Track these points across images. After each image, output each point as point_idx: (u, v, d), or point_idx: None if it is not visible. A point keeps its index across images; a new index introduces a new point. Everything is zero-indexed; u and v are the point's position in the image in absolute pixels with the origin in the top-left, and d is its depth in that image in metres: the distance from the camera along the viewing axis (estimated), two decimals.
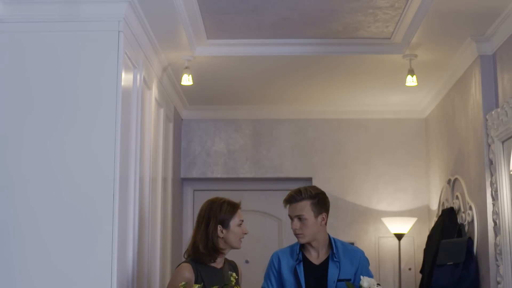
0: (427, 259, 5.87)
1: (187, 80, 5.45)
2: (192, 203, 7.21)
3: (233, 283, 3.52)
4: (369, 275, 3.77)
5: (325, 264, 3.79)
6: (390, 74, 5.88)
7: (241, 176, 7.07)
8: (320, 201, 3.78)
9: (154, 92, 5.14)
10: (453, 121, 5.86)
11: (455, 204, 5.69)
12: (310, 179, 7.08)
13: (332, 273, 3.75)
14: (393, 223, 6.65)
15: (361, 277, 3.57)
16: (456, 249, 5.23)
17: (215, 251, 3.70)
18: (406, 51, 5.27)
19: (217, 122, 7.15)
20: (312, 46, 5.38)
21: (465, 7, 4.47)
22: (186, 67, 5.41)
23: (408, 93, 6.51)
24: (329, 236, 3.86)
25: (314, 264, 3.81)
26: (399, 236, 6.60)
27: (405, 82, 5.47)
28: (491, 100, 4.94)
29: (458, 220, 5.56)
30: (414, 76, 5.37)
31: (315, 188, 3.86)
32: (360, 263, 3.83)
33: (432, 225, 6.33)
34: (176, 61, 5.46)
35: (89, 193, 3.81)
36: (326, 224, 3.83)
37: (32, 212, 3.78)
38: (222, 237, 3.72)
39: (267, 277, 3.91)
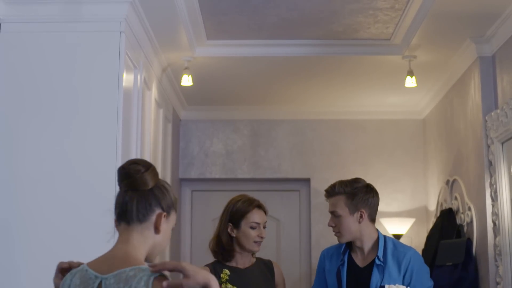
0: (426, 260, 5.87)
1: (187, 80, 5.45)
2: (190, 204, 7.21)
3: (224, 279, 3.43)
4: (424, 283, 3.31)
5: (370, 267, 3.36)
6: (389, 75, 5.89)
7: (240, 176, 7.07)
8: (357, 197, 3.35)
9: (153, 92, 5.15)
10: (452, 122, 5.87)
11: (454, 205, 5.71)
12: (308, 180, 7.09)
13: (375, 279, 3.31)
14: (391, 224, 6.66)
15: (386, 286, 3.19)
16: (455, 250, 5.24)
17: (226, 250, 3.58)
18: (406, 52, 5.28)
19: (216, 123, 7.16)
20: (311, 47, 5.38)
21: (465, 9, 4.48)
22: (186, 68, 5.41)
23: (406, 94, 6.52)
24: (378, 235, 3.43)
25: (359, 267, 3.41)
26: (397, 237, 6.60)
27: (404, 83, 5.48)
28: (490, 101, 4.96)
29: (457, 221, 5.58)
30: (414, 77, 5.38)
31: (355, 181, 3.44)
32: (410, 268, 3.32)
33: (430, 226, 6.34)
34: (175, 62, 5.47)
35: (91, 193, 3.81)
36: (372, 221, 3.42)
37: (34, 211, 3.78)
38: (234, 237, 3.57)
39: (316, 274, 3.64)
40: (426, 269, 3.37)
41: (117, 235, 3.73)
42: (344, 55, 5.48)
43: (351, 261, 3.42)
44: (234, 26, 5.03)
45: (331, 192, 3.44)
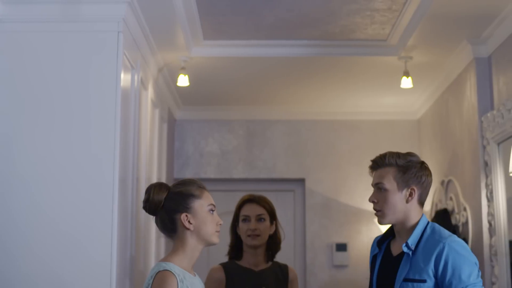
0: None
1: (183, 80, 5.45)
2: None
3: None
4: (462, 280, 2.69)
5: (402, 256, 2.86)
6: (385, 75, 5.91)
7: (235, 176, 7.08)
8: (410, 171, 2.87)
9: (150, 92, 5.14)
10: (447, 123, 5.89)
11: (449, 205, 5.73)
12: (303, 180, 7.10)
13: (402, 269, 2.81)
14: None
15: None
16: None
17: (233, 249, 3.61)
18: (402, 53, 5.30)
19: (211, 123, 7.16)
20: (308, 48, 5.39)
21: (461, 10, 4.50)
22: (182, 68, 5.41)
23: (402, 95, 6.54)
24: (420, 219, 2.89)
25: (392, 256, 2.92)
26: None
27: (400, 84, 5.50)
28: (486, 102, 4.98)
29: (452, 221, 5.59)
30: (410, 78, 5.40)
31: (409, 154, 2.94)
32: (442, 259, 2.72)
33: None
34: (172, 62, 5.46)
35: (89, 194, 3.80)
36: (421, 204, 2.91)
37: (32, 212, 3.76)
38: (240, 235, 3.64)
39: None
40: (467, 263, 2.73)
41: (114, 237, 3.77)
42: (340, 56, 5.49)
43: (388, 249, 2.96)
44: (231, 26, 5.03)
45: (380, 162, 2.92)
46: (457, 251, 2.73)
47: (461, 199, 5.42)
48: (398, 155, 2.91)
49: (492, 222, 4.80)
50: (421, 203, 2.91)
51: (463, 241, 2.80)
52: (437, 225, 2.88)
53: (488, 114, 4.84)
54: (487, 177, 4.89)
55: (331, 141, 7.16)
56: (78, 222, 3.77)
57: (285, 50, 5.43)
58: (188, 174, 7.03)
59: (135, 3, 4.15)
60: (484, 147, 4.93)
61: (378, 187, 2.90)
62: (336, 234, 6.97)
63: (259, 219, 3.59)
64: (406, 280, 2.76)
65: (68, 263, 3.72)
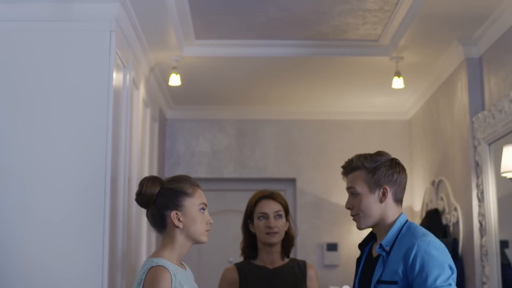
0: None
1: (175, 80, 5.44)
2: None
3: None
4: (426, 282, 2.52)
5: (379, 257, 2.72)
6: (376, 76, 5.92)
7: (225, 176, 7.08)
8: (379, 171, 2.75)
9: (141, 91, 5.14)
10: (438, 123, 5.91)
11: (440, 205, 5.74)
12: (294, 180, 7.11)
13: (377, 271, 2.69)
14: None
15: None
16: None
17: (248, 247, 3.47)
18: (393, 53, 5.31)
19: (202, 122, 7.15)
20: (299, 48, 5.39)
21: (453, 11, 4.51)
22: (174, 67, 5.40)
23: (392, 95, 6.56)
24: (397, 218, 2.75)
25: (372, 257, 2.81)
26: None
27: (391, 84, 5.51)
28: (477, 102, 4.99)
29: (443, 221, 5.61)
30: (401, 78, 5.41)
31: (377, 154, 2.83)
32: (410, 259, 2.57)
33: None
34: (163, 61, 5.46)
35: (81, 192, 3.80)
36: (397, 202, 2.76)
37: (24, 209, 3.77)
38: (255, 233, 3.49)
39: None
40: (436, 264, 2.54)
41: (106, 237, 3.76)
42: (331, 56, 5.50)
43: (370, 251, 2.85)
44: (223, 26, 5.03)
45: (349, 167, 2.82)
46: (427, 251, 2.57)
47: (452, 199, 5.44)
48: (365, 157, 2.81)
49: (483, 222, 4.82)
50: (398, 201, 2.78)
51: (437, 242, 2.63)
52: (414, 224, 2.76)
53: (479, 115, 4.85)
54: (478, 177, 4.90)
55: (322, 141, 7.16)
56: (69, 220, 3.77)
57: (276, 50, 5.43)
58: (179, 174, 6.99)
59: (128, 2, 4.15)
60: (475, 148, 4.95)
61: (351, 192, 2.80)
62: (327, 234, 6.98)
63: (277, 215, 3.42)
64: (379, 282, 2.64)
65: (60, 260, 3.73)
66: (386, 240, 2.69)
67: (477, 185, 4.91)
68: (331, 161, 7.12)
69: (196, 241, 2.70)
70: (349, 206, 2.81)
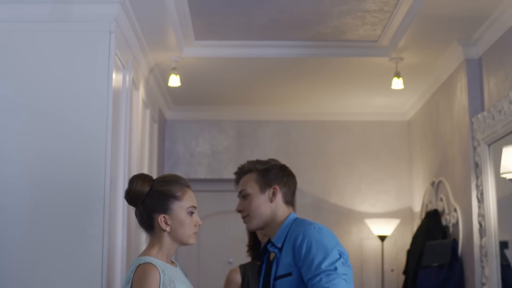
0: (411, 261, 5.91)
1: (174, 81, 5.44)
2: None
3: None
4: (312, 267, 2.53)
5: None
6: (375, 76, 5.92)
7: (225, 177, 7.06)
8: (270, 173, 2.81)
9: (141, 92, 5.13)
10: (438, 124, 5.90)
11: (439, 206, 5.74)
12: None
13: (273, 269, 2.72)
14: (376, 225, 6.69)
15: None
16: (441, 251, 5.28)
17: (252, 248, 3.50)
18: (393, 54, 5.31)
19: (201, 123, 7.15)
20: (299, 48, 5.39)
21: (452, 12, 4.51)
22: (174, 68, 5.40)
23: (392, 96, 6.56)
24: (286, 219, 2.79)
25: (270, 260, 2.80)
26: (382, 238, 6.63)
27: (391, 84, 5.51)
28: (477, 103, 4.99)
29: (443, 222, 5.61)
30: (401, 79, 5.41)
31: (269, 160, 2.91)
32: (297, 247, 2.61)
33: (415, 227, 6.38)
34: (163, 62, 5.46)
35: (80, 193, 3.79)
36: (287, 204, 2.82)
37: (25, 210, 3.75)
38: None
39: None
40: (321, 249, 2.56)
41: (105, 237, 3.75)
42: (331, 57, 5.51)
43: (268, 259, 2.85)
44: (223, 26, 5.03)
45: (240, 171, 2.87)
46: (312, 236, 2.60)
47: (452, 200, 5.43)
48: (257, 161, 2.87)
49: (483, 223, 4.82)
50: (287, 202, 2.83)
51: (324, 228, 2.65)
52: (303, 219, 2.79)
53: (479, 115, 4.85)
54: (477, 178, 4.90)
55: (321, 142, 7.16)
56: (69, 220, 3.76)
57: (276, 50, 5.43)
58: (177, 174, 6.99)
59: (127, 3, 4.14)
60: (474, 148, 4.95)
61: (242, 195, 2.82)
62: None
63: None
64: (275, 279, 2.67)
65: (60, 260, 3.72)
66: (276, 237, 2.73)
67: (477, 186, 4.91)
68: (330, 162, 7.12)
69: (183, 244, 2.69)
70: (240, 209, 2.83)
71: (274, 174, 2.81)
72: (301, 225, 2.69)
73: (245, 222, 2.84)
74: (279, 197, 2.80)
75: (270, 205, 2.79)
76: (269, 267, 2.78)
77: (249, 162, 2.87)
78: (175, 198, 2.64)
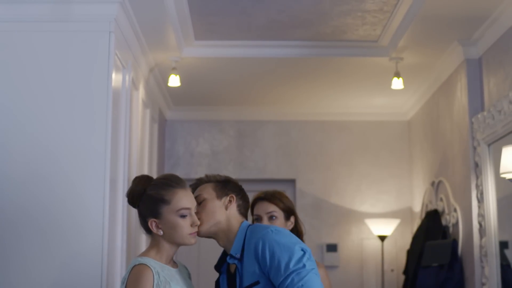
0: (411, 261, 5.91)
1: (174, 81, 5.43)
2: None
3: None
4: (280, 269, 2.52)
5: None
6: (375, 76, 5.92)
7: None
8: (229, 184, 2.81)
9: (141, 92, 5.13)
10: (438, 124, 5.90)
11: (439, 206, 5.74)
12: (293, 181, 7.10)
13: (238, 281, 2.68)
14: (376, 225, 6.69)
15: None
16: (441, 251, 5.28)
17: None
18: (393, 54, 5.31)
19: (201, 123, 7.15)
20: (299, 48, 5.39)
21: (452, 12, 4.51)
22: (173, 68, 5.40)
23: (392, 96, 6.56)
24: (239, 228, 2.75)
25: (232, 273, 2.77)
26: (382, 238, 6.63)
27: (391, 84, 5.51)
28: (477, 103, 4.99)
29: (443, 222, 5.61)
30: (400, 79, 5.41)
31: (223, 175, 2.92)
32: (260, 253, 2.59)
33: (415, 227, 6.38)
34: (163, 62, 5.46)
35: (80, 193, 3.79)
36: (242, 215, 2.81)
37: (21, 210, 3.75)
38: None
39: None
40: (285, 249, 2.56)
41: (105, 238, 3.76)
42: (331, 57, 5.50)
43: (228, 270, 2.81)
44: (223, 26, 5.03)
45: (199, 182, 2.86)
46: (271, 239, 2.58)
47: (452, 200, 5.43)
48: (218, 175, 2.87)
49: (483, 223, 4.81)
50: (242, 214, 2.81)
51: (280, 229, 2.66)
52: (256, 225, 2.78)
53: (479, 115, 4.85)
54: (477, 178, 4.90)
55: (321, 142, 7.16)
56: (69, 220, 3.76)
57: (276, 50, 5.43)
58: (178, 175, 6.93)
59: (127, 3, 4.14)
60: (474, 148, 4.95)
61: (198, 202, 2.76)
62: (327, 234, 6.98)
63: (270, 217, 3.40)
64: None
65: (60, 260, 3.71)
66: (233, 248, 2.68)
67: (477, 186, 4.91)
68: (331, 162, 7.12)
69: (181, 245, 2.68)
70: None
71: (232, 186, 2.81)
72: (257, 231, 2.66)
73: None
74: (234, 206, 2.78)
75: (225, 212, 2.76)
76: (232, 279, 2.74)
77: (208, 175, 2.85)
78: (163, 202, 2.61)
